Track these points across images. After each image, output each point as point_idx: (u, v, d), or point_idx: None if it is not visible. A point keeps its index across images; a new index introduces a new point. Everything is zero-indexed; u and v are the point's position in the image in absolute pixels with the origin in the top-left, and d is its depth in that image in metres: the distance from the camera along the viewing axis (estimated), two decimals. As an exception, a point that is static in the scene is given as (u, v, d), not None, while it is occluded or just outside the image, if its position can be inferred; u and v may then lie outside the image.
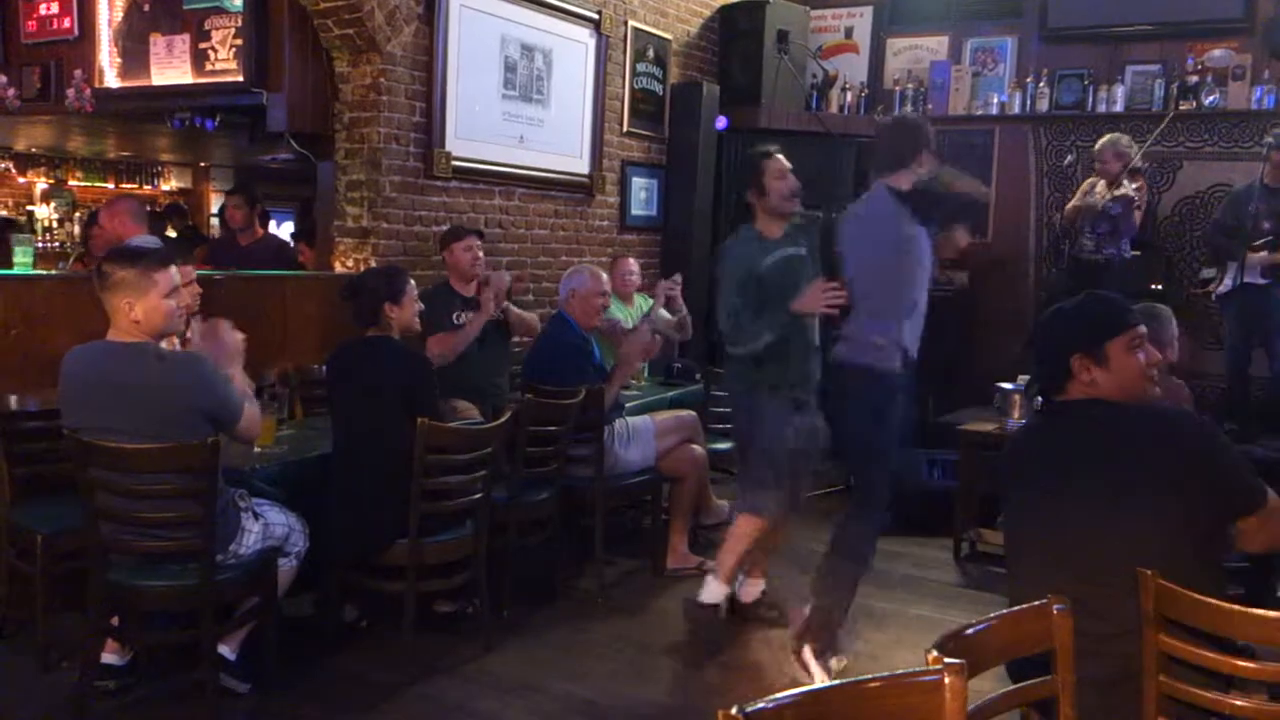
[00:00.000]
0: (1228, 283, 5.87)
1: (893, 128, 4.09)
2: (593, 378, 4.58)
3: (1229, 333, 6.05)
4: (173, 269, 3.16)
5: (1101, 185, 6.15)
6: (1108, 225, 6.08)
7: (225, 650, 3.37)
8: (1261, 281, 5.81)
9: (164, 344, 3.21)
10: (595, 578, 4.61)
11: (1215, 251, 6.10)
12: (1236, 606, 2.02)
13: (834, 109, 7.84)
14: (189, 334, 3.52)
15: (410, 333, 3.95)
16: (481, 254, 5.00)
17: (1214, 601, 2.05)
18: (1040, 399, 2.64)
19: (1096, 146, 6.20)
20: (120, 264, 3.09)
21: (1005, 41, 7.57)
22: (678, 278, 5.53)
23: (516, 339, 5.21)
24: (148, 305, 3.07)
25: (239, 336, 3.50)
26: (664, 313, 5.41)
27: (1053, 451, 2.47)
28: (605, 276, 5.04)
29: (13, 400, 3.82)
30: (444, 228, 5.48)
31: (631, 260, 6.00)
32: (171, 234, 8.46)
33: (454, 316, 4.83)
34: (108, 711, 3.30)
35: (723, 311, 3.92)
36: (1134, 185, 6.05)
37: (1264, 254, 5.76)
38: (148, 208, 7.74)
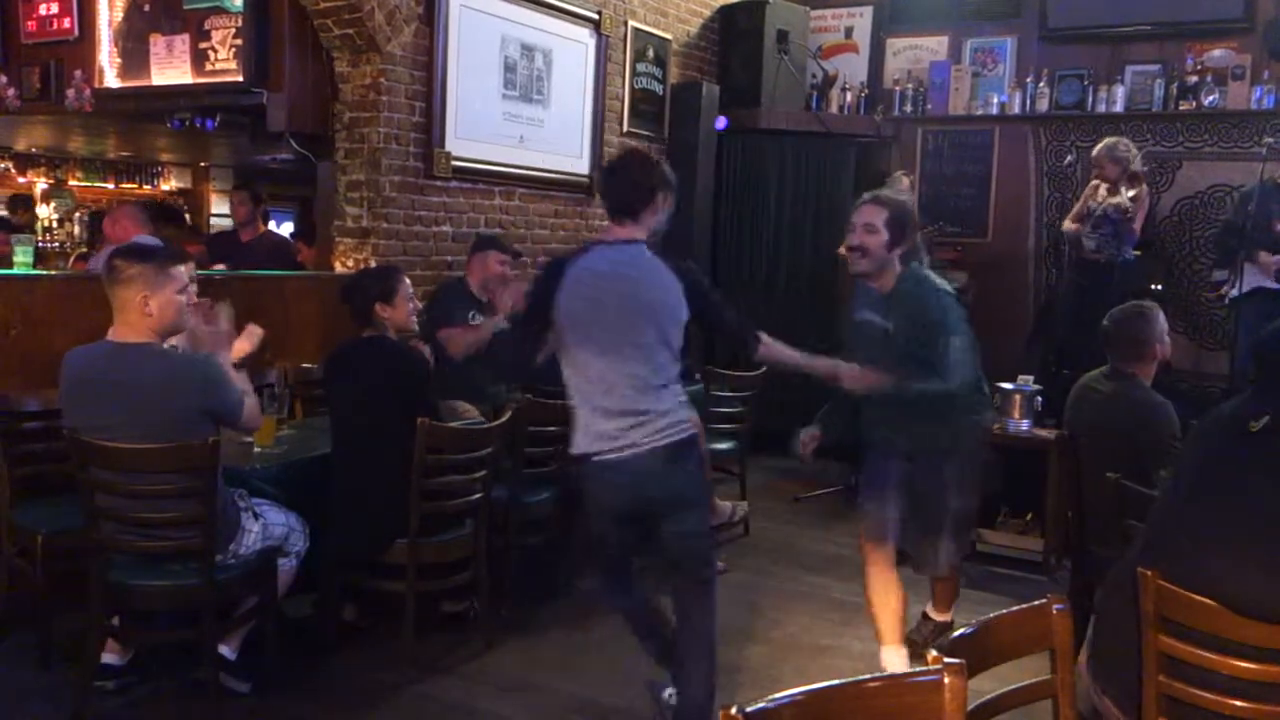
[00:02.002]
0: (1241, 286, 5.83)
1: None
2: None
3: (1240, 335, 6.04)
4: (183, 267, 3.19)
5: (1104, 189, 6.15)
6: (1110, 228, 6.08)
7: (225, 650, 3.38)
8: (1274, 286, 5.81)
9: (165, 343, 3.22)
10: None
11: (1226, 253, 6.08)
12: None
13: (834, 109, 7.85)
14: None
15: (406, 332, 3.94)
16: (510, 271, 4.94)
17: (1212, 603, 2.05)
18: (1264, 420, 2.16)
19: (1094, 153, 6.18)
20: (135, 259, 3.11)
21: (1005, 41, 7.57)
22: None
23: None
24: (163, 300, 3.08)
25: (259, 331, 3.60)
26: None
27: (1260, 490, 2.11)
28: None
29: (12, 400, 3.82)
30: (444, 228, 5.49)
31: None
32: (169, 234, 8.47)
33: (469, 316, 4.83)
34: (108, 711, 3.30)
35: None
36: (1130, 194, 6.03)
37: (1278, 257, 5.74)
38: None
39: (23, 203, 9.69)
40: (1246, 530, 2.09)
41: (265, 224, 7.11)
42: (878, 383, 3.32)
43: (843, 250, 6.48)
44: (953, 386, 3.38)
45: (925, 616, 4.07)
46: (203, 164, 11.51)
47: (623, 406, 2.97)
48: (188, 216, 10.74)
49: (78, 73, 5.98)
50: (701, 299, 3.10)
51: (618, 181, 3.16)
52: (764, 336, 3.23)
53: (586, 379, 3.03)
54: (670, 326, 3.02)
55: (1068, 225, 6.29)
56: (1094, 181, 6.30)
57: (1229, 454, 2.23)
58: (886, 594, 3.60)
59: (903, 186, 6.53)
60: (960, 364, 3.40)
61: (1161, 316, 3.75)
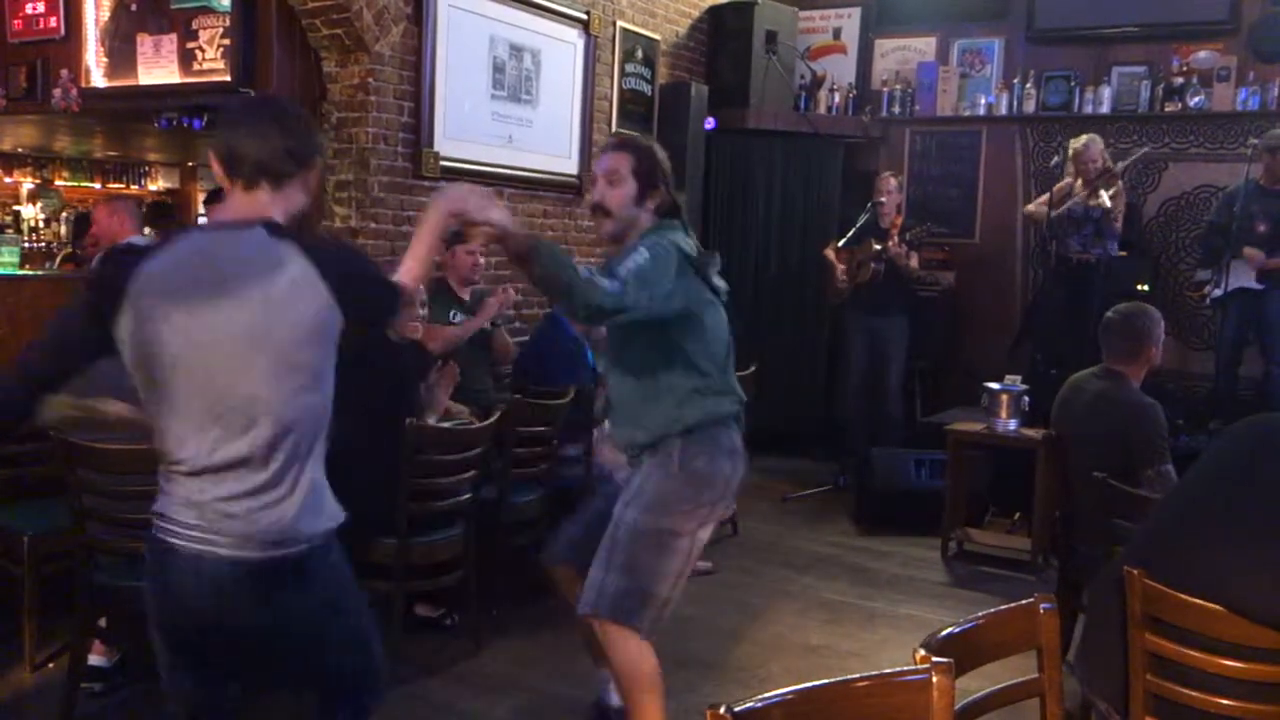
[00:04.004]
0: (1225, 287, 5.85)
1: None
2: (585, 380, 4.58)
3: (1224, 335, 6.06)
4: None
5: (1078, 185, 6.16)
6: (1092, 227, 6.11)
7: (213, 651, 3.36)
8: (1257, 286, 5.83)
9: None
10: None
11: (1210, 253, 6.10)
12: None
13: (822, 110, 7.86)
14: None
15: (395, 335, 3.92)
16: (481, 260, 4.98)
17: (1199, 601, 2.06)
18: None
19: (1077, 146, 6.16)
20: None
21: (993, 43, 7.60)
22: None
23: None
24: None
25: None
26: None
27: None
28: None
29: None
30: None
31: None
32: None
33: (450, 315, 4.83)
34: (94, 713, 3.29)
35: None
36: (1110, 192, 6.05)
37: (1260, 256, 5.76)
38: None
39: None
40: (1254, 531, 2.10)
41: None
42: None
43: (828, 252, 6.57)
44: (599, 289, 2.46)
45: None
46: (190, 164, 11.46)
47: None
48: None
49: (64, 72, 5.95)
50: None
51: (261, 127, 2.00)
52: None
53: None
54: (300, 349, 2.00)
55: (1056, 212, 6.22)
56: (1066, 180, 6.31)
57: (1255, 461, 2.22)
58: None
59: (890, 187, 6.56)
60: (637, 277, 2.53)
61: (1162, 324, 3.75)
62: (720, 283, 2.86)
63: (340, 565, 2.16)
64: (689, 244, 2.78)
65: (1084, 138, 6.18)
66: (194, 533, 1.96)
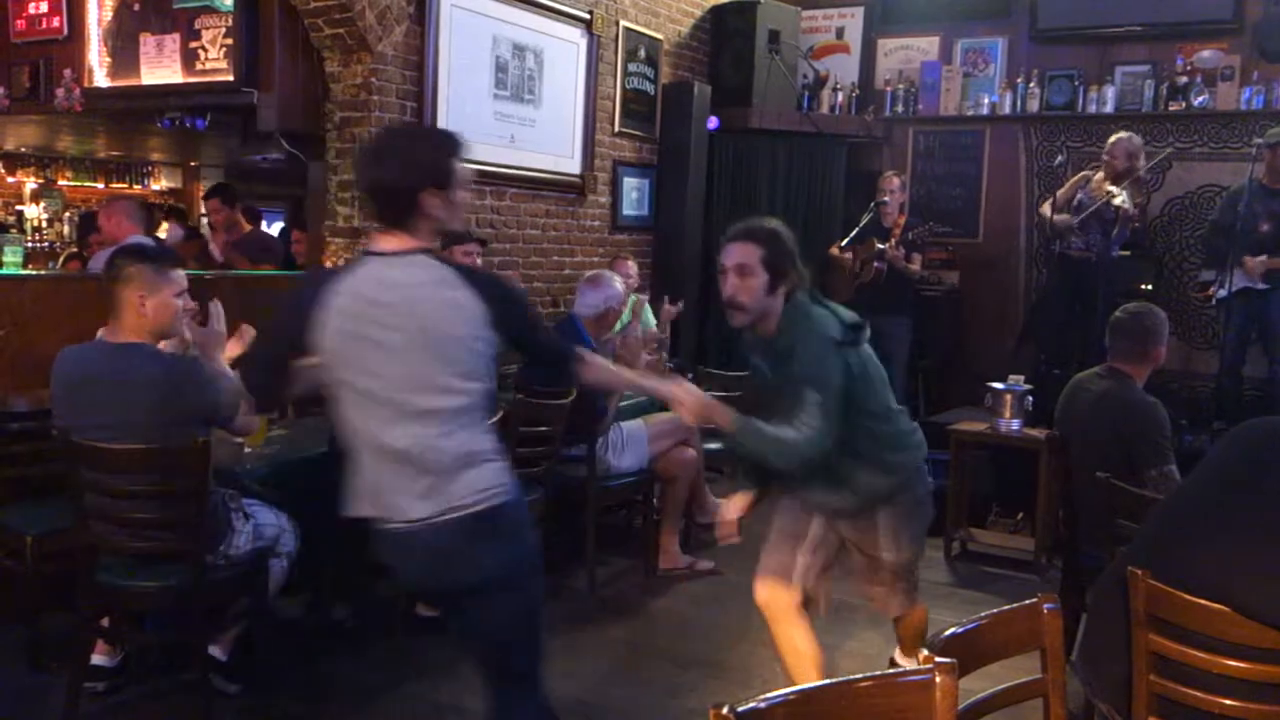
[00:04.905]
0: (1229, 287, 5.83)
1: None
2: (600, 394, 4.57)
3: (1227, 335, 6.05)
4: (181, 271, 3.20)
5: (1097, 179, 6.11)
6: (1099, 227, 6.07)
7: (215, 651, 3.37)
8: (1261, 287, 5.81)
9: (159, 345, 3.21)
10: (587, 577, 4.61)
11: (1213, 253, 6.08)
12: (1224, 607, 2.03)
13: (825, 109, 7.85)
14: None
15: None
16: (479, 261, 4.98)
17: (1203, 601, 2.06)
18: None
19: (1111, 139, 6.13)
20: (137, 259, 3.14)
21: (995, 42, 7.59)
22: (680, 304, 5.86)
23: None
24: (159, 301, 3.09)
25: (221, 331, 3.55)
26: (649, 327, 5.51)
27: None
28: None
29: (1, 401, 3.80)
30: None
31: (631, 263, 6.10)
32: (162, 235, 8.43)
33: None
34: (97, 713, 3.29)
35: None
36: (1137, 201, 6.02)
37: (1263, 259, 5.74)
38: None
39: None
40: (1259, 533, 2.09)
41: (255, 223, 7.08)
42: (722, 420, 2.72)
43: (834, 250, 6.57)
44: (801, 445, 2.73)
45: (892, 663, 3.54)
46: (193, 163, 11.47)
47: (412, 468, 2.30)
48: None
49: (67, 72, 5.96)
50: (512, 318, 2.39)
51: (368, 182, 2.46)
52: (586, 355, 2.59)
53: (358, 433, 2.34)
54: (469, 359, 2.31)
55: (1059, 217, 6.21)
56: (1085, 172, 6.28)
57: (1259, 462, 2.21)
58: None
59: (893, 186, 6.55)
60: (818, 416, 2.73)
61: (1168, 324, 3.74)
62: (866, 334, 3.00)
63: None
64: (833, 324, 2.89)
65: (1120, 134, 6.15)
66: None
